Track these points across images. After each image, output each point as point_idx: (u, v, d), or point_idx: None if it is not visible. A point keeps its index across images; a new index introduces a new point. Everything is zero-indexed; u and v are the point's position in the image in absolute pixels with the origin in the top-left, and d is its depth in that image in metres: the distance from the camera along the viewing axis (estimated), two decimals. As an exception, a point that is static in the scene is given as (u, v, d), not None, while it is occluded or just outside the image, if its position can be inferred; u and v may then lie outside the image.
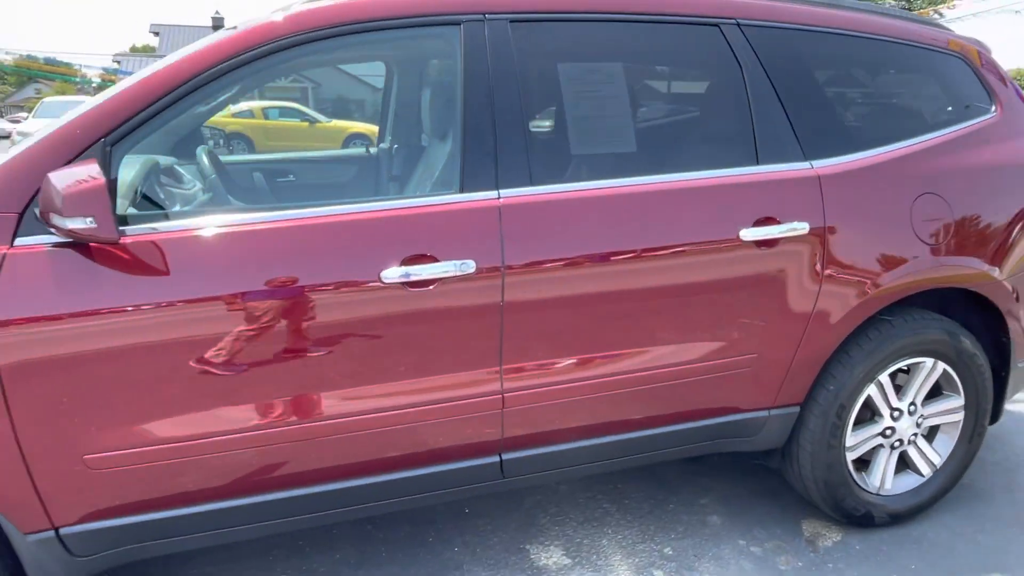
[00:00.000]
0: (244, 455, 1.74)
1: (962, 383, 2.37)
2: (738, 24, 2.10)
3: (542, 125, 1.93)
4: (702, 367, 2.04)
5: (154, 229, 1.65)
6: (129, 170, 1.80)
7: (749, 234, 1.98)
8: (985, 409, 2.42)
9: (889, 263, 2.13)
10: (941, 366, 2.32)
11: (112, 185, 1.61)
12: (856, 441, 2.30)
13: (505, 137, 1.83)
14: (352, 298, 1.70)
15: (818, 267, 2.06)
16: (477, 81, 1.83)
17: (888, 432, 2.33)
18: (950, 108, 2.38)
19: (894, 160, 2.17)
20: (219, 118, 14.88)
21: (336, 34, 1.76)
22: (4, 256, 1.51)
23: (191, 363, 1.63)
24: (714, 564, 2.24)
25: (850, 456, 2.30)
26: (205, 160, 2.08)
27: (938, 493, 2.45)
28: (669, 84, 2.13)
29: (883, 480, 2.38)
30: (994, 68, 2.45)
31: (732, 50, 2.08)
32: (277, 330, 1.67)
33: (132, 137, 1.64)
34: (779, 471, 2.43)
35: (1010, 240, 2.31)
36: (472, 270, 1.75)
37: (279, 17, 1.74)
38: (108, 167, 1.60)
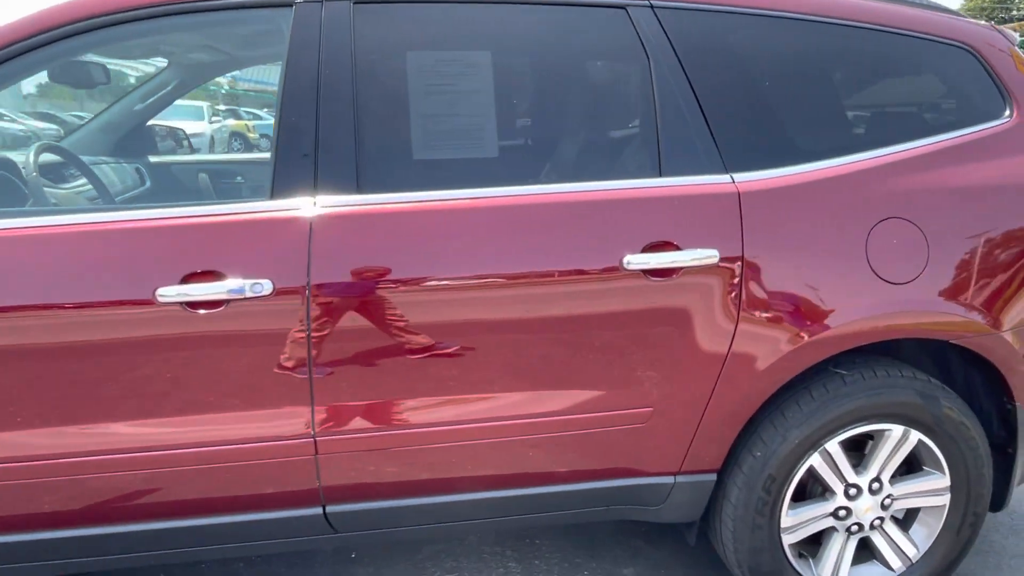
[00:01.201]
0: (18, 487, 1.55)
1: (946, 459, 1.87)
2: (651, 7, 1.73)
3: (383, 123, 1.63)
4: (577, 420, 1.68)
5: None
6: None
7: (636, 261, 1.60)
8: (980, 493, 1.90)
9: (832, 304, 1.69)
10: (915, 436, 1.83)
11: None
12: (797, 521, 1.85)
13: (330, 137, 1.56)
14: (125, 318, 1.47)
15: (732, 306, 1.65)
16: (301, 71, 1.57)
17: (841, 513, 1.87)
18: (943, 111, 1.90)
19: (848, 176, 1.72)
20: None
21: (131, 19, 1.55)
22: None
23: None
24: (606, 654, 1.86)
25: (788, 539, 1.86)
26: (31, 158, 1.93)
27: (914, 595, 1.96)
28: (553, 79, 1.78)
29: (836, 572, 1.91)
30: (1018, 63, 1.93)
31: (639, 37, 1.71)
32: (42, 350, 1.47)
33: None
34: (710, 544, 2.02)
35: (1016, 283, 1.80)
36: (267, 291, 1.48)
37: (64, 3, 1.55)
38: None
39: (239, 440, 1.56)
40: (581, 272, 1.59)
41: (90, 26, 1.55)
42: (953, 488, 1.90)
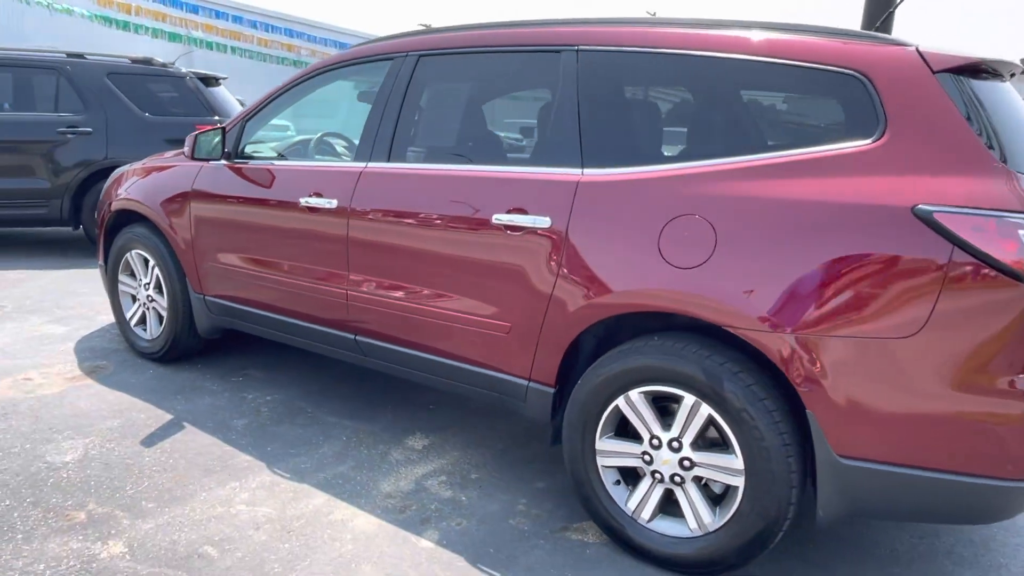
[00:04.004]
0: (288, 293, 3.28)
1: (737, 440, 2.07)
2: (576, 50, 2.46)
3: (406, 123, 2.81)
4: (471, 319, 2.56)
5: (244, 162, 3.33)
6: (268, 133, 3.52)
7: (499, 218, 2.42)
8: (769, 489, 2.02)
9: (622, 274, 2.19)
10: (706, 409, 2.11)
11: (236, 139, 3.34)
12: (609, 448, 2.32)
13: (382, 129, 2.83)
14: (290, 215, 3.05)
15: (556, 261, 2.31)
16: (381, 95, 2.88)
17: (647, 458, 2.25)
18: (799, 129, 2.06)
19: (657, 178, 2.16)
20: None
21: (347, 64, 3.09)
22: (200, 167, 3.45)
23: (251, 231, 3.27)
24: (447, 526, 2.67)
25: (603, 461, 2.34)
26: (315, 137, 3.62)
27: (702, 563, 2.17)
28: (496, 99, 2.62)
29: (641, 508, 2.29)
30: (918, 89, 1.92)
31: (558, 71, 2.47)
32: (270, 226, 3.17)
33: (255, 118, 3.36)
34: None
35: (818, 292, 1.91)
36: (335, 205, 2.86)
37: (330, 55, 3.17)
38: (242, 132, 3.36)
39: (319, 282, 2.99)
40: (468, 221, 2.50)
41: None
42: (747, 473, 2.07)
